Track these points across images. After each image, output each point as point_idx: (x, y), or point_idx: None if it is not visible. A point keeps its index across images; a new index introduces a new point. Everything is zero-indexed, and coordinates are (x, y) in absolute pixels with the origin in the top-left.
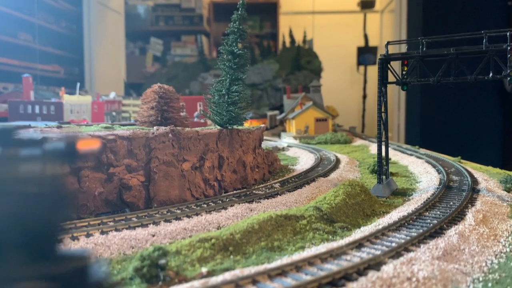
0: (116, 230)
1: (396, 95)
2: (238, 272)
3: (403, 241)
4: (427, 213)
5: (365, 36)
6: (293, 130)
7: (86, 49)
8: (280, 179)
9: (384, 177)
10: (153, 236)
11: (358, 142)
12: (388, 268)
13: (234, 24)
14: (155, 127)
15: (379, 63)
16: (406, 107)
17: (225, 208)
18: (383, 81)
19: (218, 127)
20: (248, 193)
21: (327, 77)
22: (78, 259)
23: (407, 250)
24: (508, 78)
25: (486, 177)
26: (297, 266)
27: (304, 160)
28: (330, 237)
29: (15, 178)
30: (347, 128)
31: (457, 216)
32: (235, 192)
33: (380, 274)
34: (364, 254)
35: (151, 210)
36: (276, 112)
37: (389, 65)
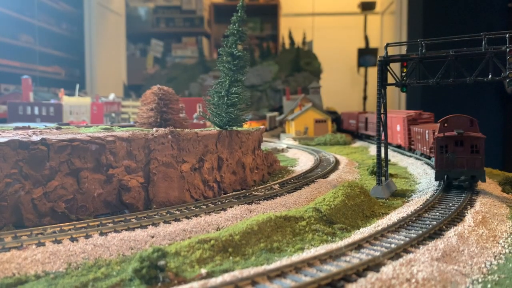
0: (115, 231)
1: (396, 97)
2: (237, 273)
3: (402, 242)
4: (426, 214)
5: (366, 38)
6: (293, 132)
7: (87, 50)
8: (279, 181)
9: (383, 178)
10: (152, 237)
11: (358, 143)
12: (388, 270)
13: (234, 26)
14: (154, 129)
15: (378, 64)
16: (406, 108)
17: (225, 210)
18: (382, 83)
19: (218, 129)
20: (247, 194)
21: (327, 78)
22: None
23: (407, 252)
24: (507, 80)
25: (486, 179)
26: (296, 268)
27: (303, 161)
28: (330, 238)
29: None
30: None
31: (456, 218)
32: (234, 193)
33: (379, 275)
34: (363, 255)
35: (150, 211)
36: (276, 113)
37: (388, 67)
